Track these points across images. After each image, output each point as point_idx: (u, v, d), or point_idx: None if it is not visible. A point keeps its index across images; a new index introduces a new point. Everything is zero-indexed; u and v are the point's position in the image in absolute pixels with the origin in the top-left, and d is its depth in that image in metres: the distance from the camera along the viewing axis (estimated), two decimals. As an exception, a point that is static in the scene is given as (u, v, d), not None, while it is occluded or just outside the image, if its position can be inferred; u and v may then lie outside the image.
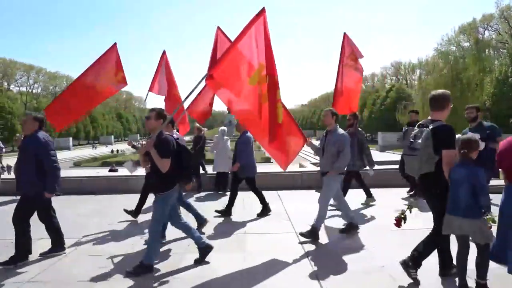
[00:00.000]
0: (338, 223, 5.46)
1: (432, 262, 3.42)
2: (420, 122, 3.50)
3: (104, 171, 12.43)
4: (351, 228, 4.95)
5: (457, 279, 3.17)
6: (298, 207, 6.62)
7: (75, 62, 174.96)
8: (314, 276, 3.59)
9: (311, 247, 4.41)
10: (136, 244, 4.75)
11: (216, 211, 6.14)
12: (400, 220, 3.64)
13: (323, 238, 4.78)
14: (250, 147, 6.23)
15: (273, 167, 10.47)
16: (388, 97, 55.44)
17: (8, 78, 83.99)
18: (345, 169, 5.12)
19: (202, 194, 8.22)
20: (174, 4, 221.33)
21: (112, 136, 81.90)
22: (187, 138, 7.58)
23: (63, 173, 10.89)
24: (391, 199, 7.12)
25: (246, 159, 6.12)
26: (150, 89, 7.01)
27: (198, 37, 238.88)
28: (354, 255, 4.13)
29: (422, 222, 5.41)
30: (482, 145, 4.21)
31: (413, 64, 72.89)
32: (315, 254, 4.16)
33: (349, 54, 6.76)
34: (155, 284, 3.46)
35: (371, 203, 6.71)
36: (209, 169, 8.98)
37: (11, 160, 11.31)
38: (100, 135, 79.42)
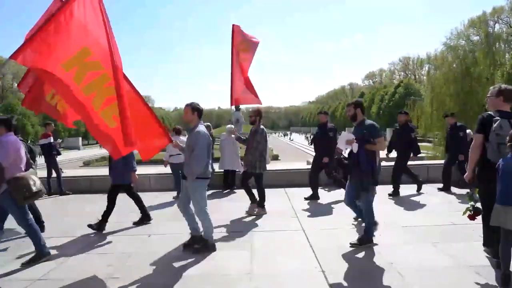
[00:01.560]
0: (347, 220, 5.44)
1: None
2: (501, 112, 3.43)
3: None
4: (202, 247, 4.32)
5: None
6: (306, 205, 6.61)
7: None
8: (321, 273, 3.58)
9: (319, 244, 4.40)
10: (145, 241, 4.80)
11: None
12: (476, 214, 3.59)
13: (331, 235, 4.77)
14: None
15: (280, 165, 10.47)
16: (397, 93, 54.98)
17: (18, 79, 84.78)
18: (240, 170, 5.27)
19: (210, 192, 8.25)
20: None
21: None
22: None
23: (74, 172, 11.08)
24: (395, 195, 7.08)
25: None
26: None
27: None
28: (362, 252, 4.11)
29: (429, 220, 5.39)
30: (355, 147, 4.22)
31: (421, 59, 71.96)
32: (323, 252, 4.15)
33: (238, 43, 6.28)
34: (162, 281, 3.49)
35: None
36: (216, 167, 9.01)
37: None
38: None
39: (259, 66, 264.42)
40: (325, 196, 7.38)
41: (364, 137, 4.17)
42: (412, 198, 6.96)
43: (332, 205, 6.57)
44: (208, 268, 3.80)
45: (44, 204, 7.57)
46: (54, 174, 8.48)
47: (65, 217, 6.23)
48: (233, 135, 6.47)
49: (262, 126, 6.02)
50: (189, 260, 4.02)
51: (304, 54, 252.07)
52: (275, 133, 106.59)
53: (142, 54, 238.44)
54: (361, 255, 4.03)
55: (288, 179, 8.58)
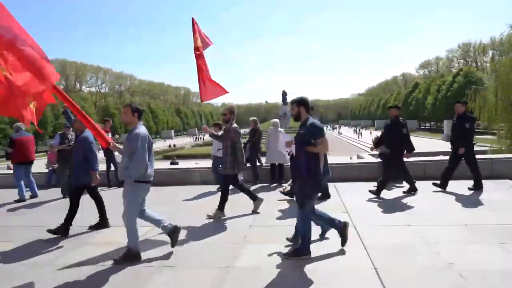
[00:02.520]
0: (400, 216, 5.20)
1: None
2: None
3: (165, 164, 13.07)
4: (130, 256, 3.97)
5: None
6: (356, 200, 6.42)
7: (137, 62, 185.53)
8: (374, 271, 3.46)
9: (371, 241, 4.25)
10: (197, 233, 4.94)
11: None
12: None
13: (384, 232, 4.58)
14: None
15: (330, 159, 10.26)
16: (455, 82, 51.45)
17: (80, 79, 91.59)
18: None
19: (258, 185, 8.32)
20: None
21: (172, 131, 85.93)
22: (242, 130, 7.63)
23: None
24: (459, 192, 6.62)
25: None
26: None
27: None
28: (418, 251, 3.90)
29: (495, 218, 4.98)
30: (294, 149, 3.80)
31: (484, 45, 66.57)
32: (375, 249, 4.00)
33: (196, 38, 6.02)
34: (211, 272, 3.57)
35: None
36: (263, 161, 9.08)
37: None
38: (161, 130, 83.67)
39: (308, 58, 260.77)
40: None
41: (303, 138, 3.76)
42: (473, 195, 6.47)
43: (385, 201, 6.32)
44: (258, 261, 3.82)
45: (104, 196, 8.10)
46: (112, 168, 9.01)
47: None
48: (207, 133, 6.18)
49: (235, 125, 5.73)
50: (239, 252, 4.08)
51: (352, 44, 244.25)
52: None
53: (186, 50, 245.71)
54: (416, 254, 3.82)
55: (338, 174, 8.38)
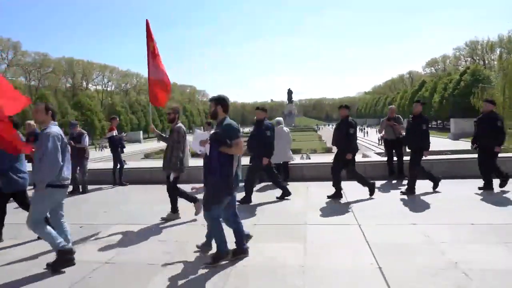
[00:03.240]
0: (405, 216, 5.17)
1: None
2: None
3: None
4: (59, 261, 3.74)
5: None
6: (361, 198, 6.39)
7: (143, 60, 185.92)
8: (378, 270, 3.44)
9: (375, 240, 4.23)
10: (202, 232, 4.94)
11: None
12: None
13: (388, 231, 4.56)
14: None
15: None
16: (462, 81, 50.96)
17: (86, 78, 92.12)
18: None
19: (262, 184, 8.32)
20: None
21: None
22: (248, 128, 7.52)
23: (136, 164, 11.78)
24: (465, 191, 6.56)
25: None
26: None
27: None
28: (422, 250, 3.87)
29: (502, 218, 4.92)
30: (208, 148, 3.70)
31: (492, 42, 65.77)
32: (380, 248, 3.97)
33: (149, 41, 5.87)
34: (216, 270, 3.58)
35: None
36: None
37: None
38: (167, 128, 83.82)
39: (314, 57, 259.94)
40: (382, 191, 7.08)
41: (218, 137, 3.62)
42: (482, 195, 6.40)
43: (389, 201, 6.28)
44: (260, 260, 3.82)
45: (108, 193, 8.19)
46: (118, 166, 9.06)
47: (128, 205, 6.63)
48: (155, 133, 6.16)
49: (180, 124, 5.60)
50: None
51: (358, 43, 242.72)
52: (328, 125, 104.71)
53: (196, 49, 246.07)
54: (421, 253, 3.80)
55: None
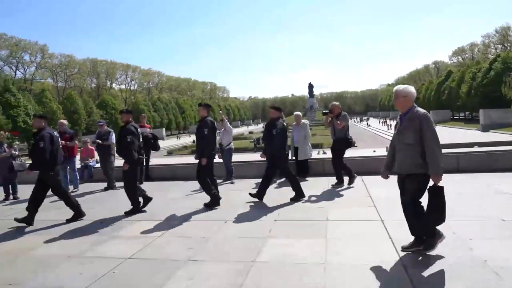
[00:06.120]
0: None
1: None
2: None
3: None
4: None
5: None
6: (384, 193, 6.23)
7: (164, 59, 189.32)
8: (402, 267, 3.34)
9: (399, 236, 4.11)
10: (223, 228, 4.97)
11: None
12: None
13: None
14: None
15: (357, 152, 10.05)
16: (492, 69, 48.79)
17: (110, 77, 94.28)
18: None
19: (282, 179, 8.27)
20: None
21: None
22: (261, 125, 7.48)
23: (159, 161, 11.98)
24: (496, 185, 6.28)
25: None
26: None
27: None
28: (448, 246, 3.72)
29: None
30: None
31: (524, 28, 62.77)
32: (403, 244, 3.86)
33: None
34: (236, 266, 3.58)
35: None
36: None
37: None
38: (189, 125, 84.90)
39: (334, 50, 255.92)
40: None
41: None
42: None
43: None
44: (282, 256, 3.80)
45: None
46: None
47: (152, 201, 6.70)
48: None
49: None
50: (263, 247, 4.07)
51: (380, 33, 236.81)
52: (350, 119, 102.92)
53: (214, 46, 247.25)
54: (448, 250, 3.65)
55: (366, 167, 8.19)
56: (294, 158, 8.54)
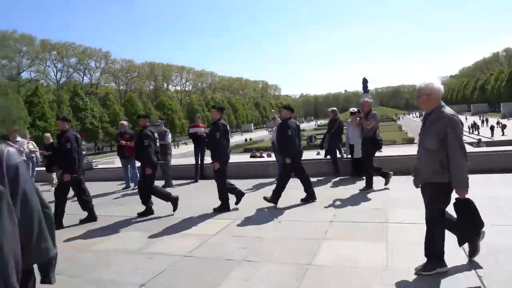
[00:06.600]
0: (495, 216, 4.51)
1: None
2: None
3: (245, 157, 13.36)
4: None
5: None
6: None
7: (215, 59, 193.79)
8: (475, 276, 3.01)
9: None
10: (277, 228, 4.90)
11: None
12: None
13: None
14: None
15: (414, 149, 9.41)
16: None
17: (166, 79, 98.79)
18: None
19: (338, 178, 8.01)
20: None
21: (252, 124, 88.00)
22: (319, 121, 7.26)
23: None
24: None
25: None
26: None
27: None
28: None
29: None
30: None
31: None
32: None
33: None
34: (291, 268, 3.48)
35: None
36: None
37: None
38: (242, 123, 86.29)
39: (389, 42, 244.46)
40: (476, 186, 6.29)
41: None
42: None
43: (482, 198, 5.54)
44: (339, 259, 3.63)
45: (189, 188, 8.60)
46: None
47: (207, 200, 6.81)
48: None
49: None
50: (319, 249, 3.93)
51: (440, 22, 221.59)
52: (409, 114, 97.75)
53: (266, 46, 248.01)
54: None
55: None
56: (350, 156, 8.23)
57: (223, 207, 5.96)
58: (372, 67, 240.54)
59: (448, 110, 3.12)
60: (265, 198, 6.04)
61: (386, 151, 8.53)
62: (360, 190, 6.57)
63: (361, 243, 4.03)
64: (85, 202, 5.99)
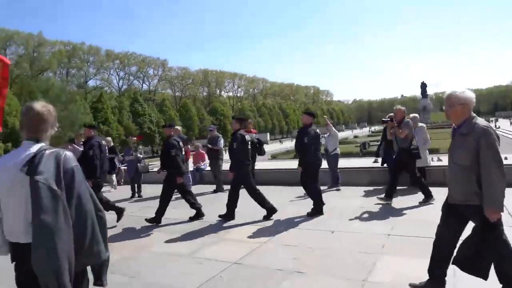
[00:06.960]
0: None
1: None
2: None
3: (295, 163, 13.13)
4: None
5: None
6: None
7: (267, 65, 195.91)
8: None
9: None
10: (329, 238, 4.70)
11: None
12: None
13: None
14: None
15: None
16: None
17: (219, 86, 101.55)
18: None
19: (399, 187, 7.55)
20: None
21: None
22: (377, 127, 6.93)
23: (264, 165, 12.23)
24: None
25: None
26: None
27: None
28: None
29: None
30: None
31: None
32: None
33: None
34: (346, 284, 3.28)
35: None
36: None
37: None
38: (293, 129, 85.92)
39: (450, 44, 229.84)
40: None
41: None
42: None
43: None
44: (391, 277, 3.36)
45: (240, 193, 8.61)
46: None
47: (257, 206, 6.79)
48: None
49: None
50: (376, 265, 3.68)
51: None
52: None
53: (314, 50, 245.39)
54: None
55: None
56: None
57: (228, 215, 6.04)
58: (432, 71, 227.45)
59: (480, 121, 2.78)
60: (309, 214, 5.84)
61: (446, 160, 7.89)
62: (420, 202, 6.12)
63: (421, 259, 3.69)
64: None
